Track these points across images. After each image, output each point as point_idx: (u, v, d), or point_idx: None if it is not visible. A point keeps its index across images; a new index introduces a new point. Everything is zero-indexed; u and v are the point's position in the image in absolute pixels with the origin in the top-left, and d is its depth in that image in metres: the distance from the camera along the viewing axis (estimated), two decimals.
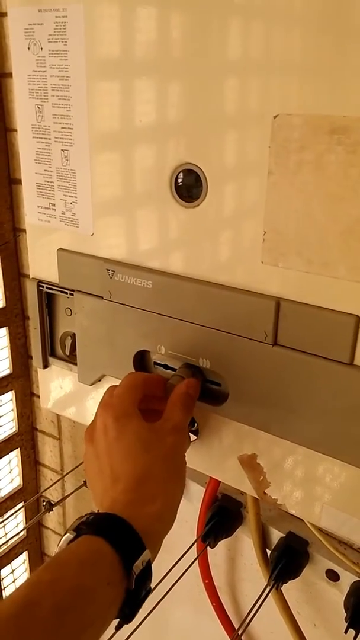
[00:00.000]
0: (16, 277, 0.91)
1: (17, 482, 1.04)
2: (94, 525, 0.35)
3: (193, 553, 0.80)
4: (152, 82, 0.42)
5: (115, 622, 0.36)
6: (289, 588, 0.77)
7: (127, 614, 0.35)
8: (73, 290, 0.53)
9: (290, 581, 0.75)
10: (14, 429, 1.00)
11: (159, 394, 0.47)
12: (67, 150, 0.47)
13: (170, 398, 0.45)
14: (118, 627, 0.36)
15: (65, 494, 0.92)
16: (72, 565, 0.33)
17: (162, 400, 0.46)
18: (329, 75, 0.35)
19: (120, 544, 0.34)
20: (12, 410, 0.99)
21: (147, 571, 0.35)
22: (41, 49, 0.45)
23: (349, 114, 0.35)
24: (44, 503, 0.74)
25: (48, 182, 0.50)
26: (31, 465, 1.05)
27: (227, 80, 0.39)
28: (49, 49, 0.45)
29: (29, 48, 0.46)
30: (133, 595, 0.34)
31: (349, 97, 0.35)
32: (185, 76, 0.41)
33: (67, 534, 0.35)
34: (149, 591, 0.36)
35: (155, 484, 0.39)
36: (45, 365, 0.59)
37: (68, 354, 0.57)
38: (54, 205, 0.50)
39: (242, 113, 0.39)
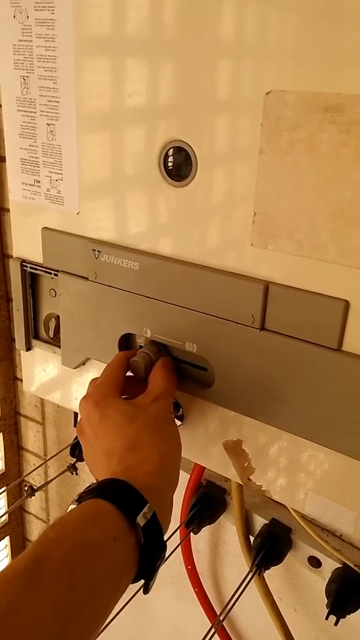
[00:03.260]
0: (0, 258, 0.89)
1: (0, 466, 1.03)
2: (94, 491, 0.35)
3: (176, 539, 0.80)
4: (143, 57, 0.41)
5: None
6: (271, 574, 0.77)
7: (145, 573, 0.35)
8: (57, 271, 0.52)
9: (272, 567, 0.75)
10: None
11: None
12: (53, 124, 0.46)
13: (150, 375, 0.46)
14: (145, 591, 0.37)
15: (48, 479, 0.91)
16: (76, 524, 0.33)
17: (145, 384, 0.46)
18: (324, 52, 0.34)
19: (121, 501, 0.34)
20: None
21: (155, 525, 0.35)
22: (27, 17, 0.43)
23: (342, 91, 0.34)
24: (26, 488, 0.73)
25: (33, 157, 0.48)
26: (14, 450, 1.04)
27: (219, 56, 0.38)
28: (35, 17, 0.43)
29: (14, 16, 0.44)
30: (147, 551, 0.34)
31: (343, 74, 0.34)
32: (176, 52, 0.39)
33: (71, 505, 0.35)
34: (164, 546, 0.36)
35: (147, 446, 0.40)
36: (29, 347, 0.57)
37: (52, 336, 0.56)
38: (39, 182, 0.49)
39: (234, 89, 0.38)
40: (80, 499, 0.35)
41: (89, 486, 0.36)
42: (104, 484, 0.36)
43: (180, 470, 0.84)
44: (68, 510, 0.35)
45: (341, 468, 0.43)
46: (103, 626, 0.33)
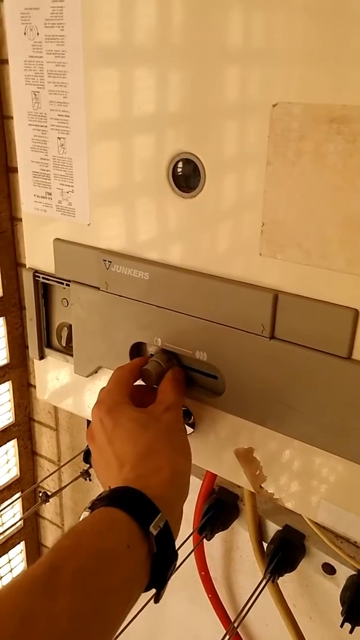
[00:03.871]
0: (13, 266, 0.90)
1: (14, 472, 1.04)
2: (107, 499, 0.36)
3: (189, 545, 0.80)
4: (150, 70, 0.41)
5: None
6: (285, 581, 0.77)
7: (157, 582, 0.35)
8: (69, 281, 0.52)
9: (286, 574, 0.75)
10: (11, 420, 1.00)
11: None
12: (63, 138, 0.46)
13: (160, 385, 0.47)
14: (156, 600, 0.37)
15: (62, 485, 0.92)
16: (90, 532, 0.33)
17: (154, 391, 0.47)
18: (329, 64, 0.34)
19: (134, 509, 0.35)
20: (9, 400, 0.98)
21: (167, 534, 0.35)
22: (37, 34, 0.44)
23: (348, 102, 0.34)
24: (41, 494, 0.73)
25: (44, 170, 0.49)
26: (28, 456, 1.05)
27: (226, 69, 0.38)
28: (45, 34, 0.44)
29: (25, 33, 0.45)
30: (159, 560, 0.35)
31: (348, 86, 0.34)
32: (183, 64, 0.40)
33: (84, 512, 0.36)
34: (176, 555, 0.37)
35: (159, 455, 0.40)
36: (42, 356, 0.58)
37: (64, 345, 0.56)
38: (50, 194, 0.50)
39: (241, 102, 0.38)
40: (93, 507, 0.35)
41: (101, 494, 0.37)
42: (116, 492, 0.36)
43: (193, 477, 0.84)
44: (81, 518, 0.35)
45: (353, 476, 0.43)
46: (116, 635, 0.33)
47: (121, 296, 0.49)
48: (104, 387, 0.47)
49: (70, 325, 0.55)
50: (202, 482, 0.80)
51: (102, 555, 0.32)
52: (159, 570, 0.35)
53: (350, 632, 0.68)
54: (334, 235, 0.38)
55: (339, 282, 0.39)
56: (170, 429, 0.43)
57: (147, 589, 0.36)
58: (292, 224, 0.39)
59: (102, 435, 0.43)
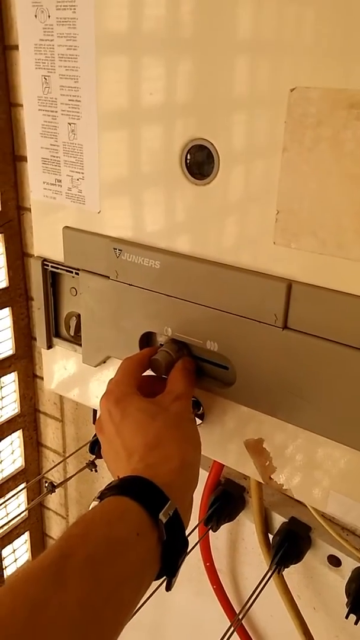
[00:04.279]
0: (20, 256, 0.90)
1: (19, 463, 1.04)
2: (116, 488, 0.36)
3: (195, 536, 0.80)
4: (164, 55, 0.40)
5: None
6: (291, 572, 0.77)
7: (168, 570, 0.35)
8: (78, 270, 0.52)
9: (291, 566, 0.75)
10: (17, 410, 0.99)
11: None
12: (74, 123, 0.46)
13: (169, 375, 0.46)
14: (167, 588, 0.37)
15: (67, 476, 0.92)
16: (100, 521, 0.33)
17: (164, 381, 0.46)
18: (349, 47, 0.34)
19: (143, 498, 0.35)
20: (15, 391, 0.98)
21: (177, 522, 0.35)
22: (49, 16, 0.43)
23: None
24: (46, 484, 0.73)
25: (54, 157, 0.48)
26: (33, 447, 1.05)
27: (242, 53, 0.37)
28: (56, 16, 0.43)
29: (36, 16, 0.44)
30: (169, 547, 0.35)
31: None
32: (198, 48, 0.39)
33: (93, 502, 0.35)
34: (187, 542, 0.37)
35: (168, 445, 0.40)
36: (50, 345, 0.58)
37: (73, 334, 0.56)
38: (60, 181, 0.49)
39: (257, 87, 0.38)
40: (102, 496, 0.35)
41: (110, 483, 0.37)
42: (125, 481, 0.36)
43: (200, 468, 0.84)
44: (90, 507, 0.35)
45: None
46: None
47: (131, 285, 0.48)
48: (112, 378, 0.47)
49: (79, 315, 0.54)
50: (208, 473, 0.80)
51: (112, 543, 0.32)
52: (169, 558, 0.35)
53: (355, 623, 0.68)
54: (351, 224, 0.37)
55: (354, 272, 0.38)
56: (179, 418, 0.42)
57: (158, 577, 0.36)
58: (307, 213, 0.38)
59: (111, 426, 0.43)
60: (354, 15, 0.33)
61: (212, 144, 0.41)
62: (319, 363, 0.41)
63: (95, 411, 0.88)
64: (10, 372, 0.95)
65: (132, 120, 0.44)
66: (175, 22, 0.39)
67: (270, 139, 0.38)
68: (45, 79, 0.45)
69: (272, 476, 0.48)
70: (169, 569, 0.35)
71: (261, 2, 0.36)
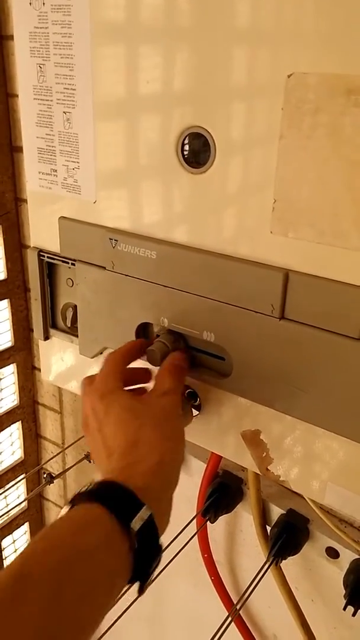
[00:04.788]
0: (18, 248, 0.89)
1: (19, 454, 1.04)
2: (87, 494, 0.34)
3: (193, 528, 0.80)
4: (159, 42, 0.40)
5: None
6: (288, 564, 0.77)
7: (140, 576, 0.34)
8: (75, 260, 0.51)
9: (289, 557, 0.75)
10: (16, 402, 0.99)
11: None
12: (69, 112, 0.45)
13: (158, 372, 0.45)
14: (139, 592, 0.35)
15: (66, 467, 0.92)
16: (67, 530, 0.32)
17: (149, 373, 0.46)
18: (346, 32, 0.33)
19: (115, 504, 0.33)
20: (14, 383, 0.98)
21: (151, 528, 0.34)
22: (43, 3, 0.43)
23: None
24: (45, 475, 0.73)
25: (49, 146, 0.48)
26: (32, 438, 1.05)
27: (238, 39, 0.37)
28: (51, 3, 0.42)
29: (30, 3, 0.43)
30: (141, 555, 0.34)
31: None
32: (194, 36, 0.39)
33: (64, 508, 0.34)
34: (160, 549, 0.35)
35: (148, 444, 0.39)
36: (46, 337, 0.57)
37: (69, 325, 0.56)
38: (56, 171, 0.48)
39: (254, 73, 0.37)
40: (73, 502, 0.34)
41: (82, 488, 0.35)
42: (99, 487, 0.35)
43: (197, 460, 0.84)
44: (60, 513, 0.34)
45: None
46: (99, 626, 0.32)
47: (127, 275, 0.48)
48: (86, 377, 0.45)
49: (76, 306, 0.54)
50: (206, 465, 0.80)
51: (78, 554, 0.31)
52: (141, 565, 0.34)
53: (353, 614, 0.68)
54: (349, 213, 0.36)
55: (352, 261, 0.38)
56: (163, 416, 0.41)
57: (131, 582, 0.34)
58: (305, 201, 0.38)
59: (94, 422, 0.42)
60: (351, 2, 0.32)
61: (208, 132, 0.40)
62: (317, 354, 0.41)
63: None
64: (9, 364, 0.95)
65: (127, 108, 0.43)
66: (172, 9, 0.39)
67: (267, 126, 0.38)
68: (40, 67, 0.45)
69: (269, 467, 0.48)
70: (140, 576, 0.34)
71: None
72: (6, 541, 1.05)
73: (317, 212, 0.38)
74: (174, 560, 0.73)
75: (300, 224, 0.39)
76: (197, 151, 0.41)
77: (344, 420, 0.41)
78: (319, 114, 0.35)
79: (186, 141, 0.42)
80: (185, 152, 0.42)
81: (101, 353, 0.54)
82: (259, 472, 0.49)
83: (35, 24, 0.44)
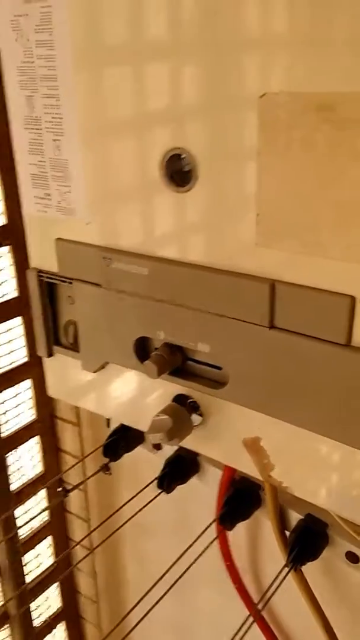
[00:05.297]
0: (28, 266, 0.92)
1: (39, 468, 1.06)
2: None
3: (212, 536, 0.81)
4: (138, 69, 0.41)
5: None
6: (310, 570, 0.77)
7: None
8: (72, 279, 0.53)
9: (308, 563, 0.75)
10: (34, 417, 1.02)
11: None
12: (58, 139, 0.47)
13: None
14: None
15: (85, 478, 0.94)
16: None
17: None
18: (312, 52, 0.34)
19: None
20: (31, 398, 1.00)
21: None
22: (28, 40, 0.45)
23: (334, 90, 0.34)
24: (59, 489, 0.75)
25: (42, 172, 0.50)
26: (52, 452, 1.07)
27: (213, 61, 0.38)
28: (35, 39, 0.44)
29: (16, 40, 0.46)
30: None
31: (332, 73, 0.34)
32: (170, 61, 0.40)
33: None
34: None
35: None
36: (50, 354, 0.59)
37: (71, 342, 0.57)
38: (49, 195, 0.50)
39: (229, 94, 0.38)
40: None
41: None
42: None
43: (213, 467, 0.84)
44: None
45: (357, 462, 0.43)
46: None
47: (123, 292, 0.49)
48: None
49: (77, 322, 0.56)
50: (222, 472, 0.80)
51: None
52: None
53: None
54: (328, 224, 0.37)
55: (334, 270, 0.38)
56: None
57: None
58: (285, 214, 0.39)
59: None
60: (319, 19, 0.33)
61: (189, 153, 0.42)
62: (307, 360, 0.42)
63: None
64: (26, 379, 0.98)
65: (111, 134, 0.45)
66: (144, 39, 0.40)
67: (245, 145, 0.39)
68: (29, 98, 0.47)
69: (271, 474, 0.49)
70: None
71: (231, 12, 0.36)
72: (29, 555, 1.07)
73: (298, 224, 0.39)
74: (197, 569, 0.74)
75: (283, 236, 0.40)
76: (180, 171, 0.43)
77: (337, 425, 0.42)
78: (292, 131, 0.36)
79: (169, 162, 0.43)
80: (169, 172, 0.43)
81: (103, 367, 0.56)
82: (262, 479, 0.50)
83: (22, 58, 0.46)
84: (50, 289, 0.57)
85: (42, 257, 0.55)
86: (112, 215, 0.48)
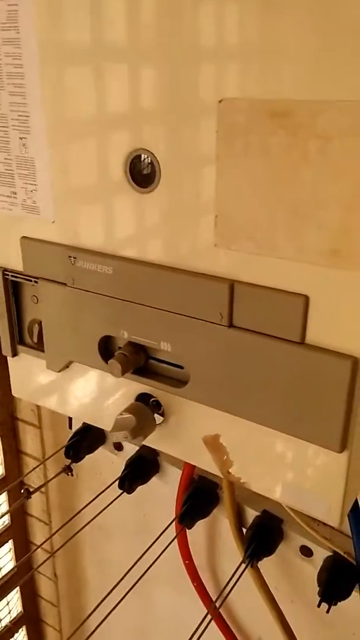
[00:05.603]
0: None
1: (0, 471, 1.05)
2: None
3: (171, 534, 0.82)
4: (100, 69, 0.42)
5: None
6: (266, 565, 0.79)
7: None
8: (37, 278, 0.53)
9: (265, 558, 0.77)
10: None
11: None
12: (24, 138, 0.48)
13: None
14: None
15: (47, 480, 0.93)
16: None
17: None
18: (267, 59, 0.36)
19: None
20: None
21: None
22: None
23: (289, 97, 0.36)
24: (22, 490, 0.75)
25: (8, 170, 0.50)
26: (13, 454, 1.06)
27: (175, 67, 0.40)
28: (2, 37, 0.45)
29: None
30: None
31: (285, 80, 0.36)
32: (131, 63, 0.41)
33: None
34: None
35: None
36: (14, 353, 0.59)
37: (36, 341, 0.58)
38: (15, 193, 0.51)
39: (189, 99, 0.40)
40: None
41: None
42: None
43: (173, 467, 0.86)
44: None
45: (312, 458, 0.45)
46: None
47: (87, 291, 0.50)
48: None
49: (41, 322, 0.56)
50: (181, 471, 0.82)
51: None
52: None
53: (327, 611, 0.70)
54: (282, 225, 0.39)
55: (289, 270, 0.40)
56: None
57: None
58: (242, 216, 0.41)
59: None
60: (271, 27, 0.35)
61: (152, 154, 0.43)
62: (264, 358, 0.43)
63: (70, 418, 0.90)
64: None
65: (76, 133, 0.46)
66: (106, 40, 0.41)
67: (205, 148, 0.40)
68: None
69: (230, 470, 0.50)
70: None
71: (191, 20, 0.38)
72: None
73: (254, 225, 0.40)
74: (157, 568, 0.75)
75: (240, 237, 0.41)
76: (143, 172, 0.44)
77: (293, 420, 0.44)
78: (249, 135, 0.38)
79: (134, 163, 0.44)
80: (133, 173, 0.44)
81: (67, 367, 0.56)
82: (221, 475, 0.51)
83: None
84: (14, 288, 0.57)
85: (7, 255, 0.55)
86: (77, 214, 0.49)
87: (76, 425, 0.89)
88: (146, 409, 0.52)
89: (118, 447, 0.89)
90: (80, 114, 0.45)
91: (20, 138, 0.48)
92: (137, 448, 0.86)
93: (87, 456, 0.88)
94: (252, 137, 0.38)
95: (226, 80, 0.38)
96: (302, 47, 0.34)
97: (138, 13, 0.40)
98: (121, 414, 0.51)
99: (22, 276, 0.55)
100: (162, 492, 0.88)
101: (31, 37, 0.44)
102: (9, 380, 1.00)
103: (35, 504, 1.09)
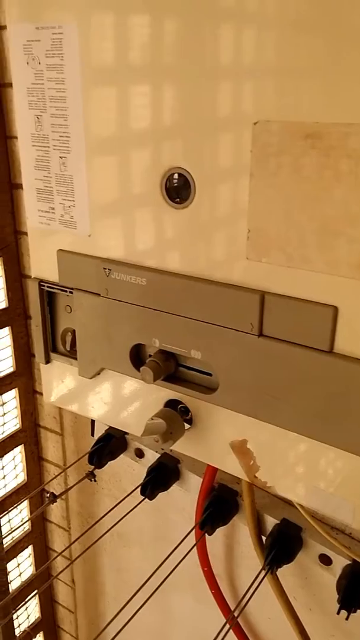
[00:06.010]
0: (18, 278, 0.94)
1: (22, 477, 1.07)
2: None
3: (192, 540, 0.83)
4: (143, 92, 0.45)
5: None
6: (285, 574, 0.80)
7: None
8: (72, 289, 0.56)
9: (284, 566, 0.78)
10: (18, 426, 1.03)
11: None
12: (64, 157, 0.50)
13: None
14: None
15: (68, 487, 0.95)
16: None
17: None
18: (302, 84, 0.38)
19: None
20: (16, 407, 1.02)
21: None
22: (39, 63, 0.48)
23: (320, 120, 0.38)
24: (47, 495, 0.77)
25: (47, 187, 0.53)
26: (35, 461, 1.08)
27: (214, 89, 0.42)
28: (46, 63, 0.48)
29: (27, 63, 0.49)
30: None
31: (318, 104, 0.38)
32: (176, 86, 0.44)
33: None
34: None
35: None
36: (48, 360, 0.62)
37: (69, 349, 0.60)
38: (54, 209, 0.54)
39: (227, 120, 0.42)
40: None
41: None
42: None
43: (193, 475, 0.87)
44: None
45: (338, 462, 0.46)
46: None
47: (120, 301, 0.53)
48: None
49: (74, 330, 0.59)
50: (202, 479, 0.83)
51: None
52: None
53: (346, 619, 0.71)
54: (313, 240, 0.41)
55: (319, 282, 0.42)
56: None
57: None
58: (275, 231, 0.43)
59: None
60: (307, 55, 0.38)
61: (188, 172, 0.45)
62: (293, 366, 0.45)
63: (93, 423, 0.92)
64: (11, 389, 0.99)
65: (115, 152, 0.48)
66: (148, 64, 0.44)
67: (239, 167, 0.43)
68: (38, 118, 0.50)
69: (256, 475, 0.52)
70: None
71: (233, 46, 0.41)
72: (11, 564, 1.07)
73: (285, 239, 0.43)
74: (176, 575, 0.76)
75: (272, 250, 0.44)
76: (179, 189, 0.46)
77: (320, 426, 0.45)
78: (282, 156, 0.40)
79: (170, 179, 0.47)
80: (169, 190, 0.47)
81: (99, 374, 0.58)
82: (247, 480, 0.53)
83: (33, 80, 0.49)
84: (49, 298, 0.59)
85: (44, 267, 0.58)
86: (113, 228, 0.51)
87: (99, 432, 0.91)
88: (176, 415, 0.54)
89: (139, 454, 0.91)
90: (120, 134, 0.47)
91: (60, 157, 0.51)
92: (157, 455, 0.88)
93: (107, 464, 0.90)
94: (285, 157, 0.40)
95: (261, 103, 0.40)
96: (334, 72, 0.37)
97: (176, 36, 0.42)
98: (152, 419, 0.53)
99: (57, 287, 0.57)
100: (181, 500, 0.90)
101: (75, 62, 0.46)
102: (32, 389, 1.03)
103: (55, 510, 1.11)
